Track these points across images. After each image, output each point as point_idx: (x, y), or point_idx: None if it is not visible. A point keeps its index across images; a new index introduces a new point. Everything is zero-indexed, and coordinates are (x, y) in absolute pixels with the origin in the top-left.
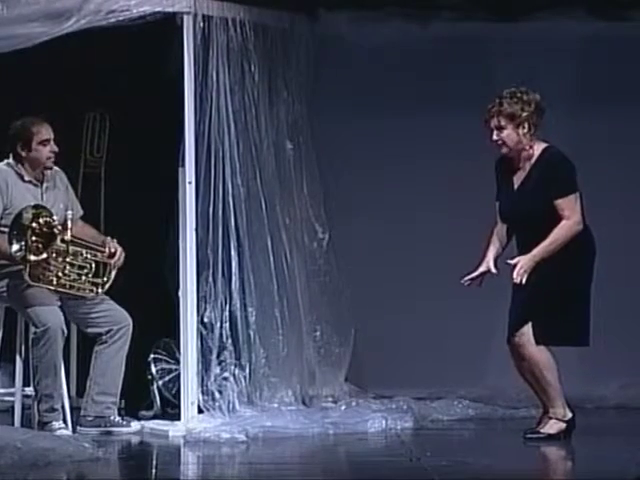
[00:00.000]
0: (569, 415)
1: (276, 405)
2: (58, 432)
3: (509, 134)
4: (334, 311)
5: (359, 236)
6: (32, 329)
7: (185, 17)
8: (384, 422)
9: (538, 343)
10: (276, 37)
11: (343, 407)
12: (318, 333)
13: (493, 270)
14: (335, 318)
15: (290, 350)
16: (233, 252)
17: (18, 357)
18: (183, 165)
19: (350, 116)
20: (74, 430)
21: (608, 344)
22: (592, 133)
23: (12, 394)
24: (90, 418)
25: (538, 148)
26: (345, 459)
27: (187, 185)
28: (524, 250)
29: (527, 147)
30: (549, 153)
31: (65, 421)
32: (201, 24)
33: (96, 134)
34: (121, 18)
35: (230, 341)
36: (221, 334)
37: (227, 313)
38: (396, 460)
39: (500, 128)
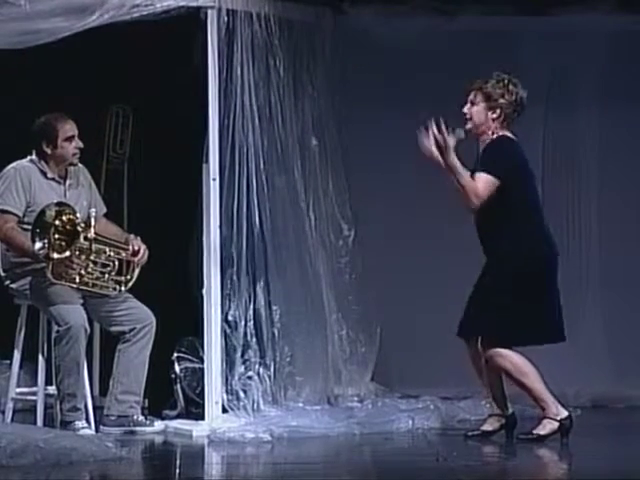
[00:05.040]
0: (563, 414)
1: (301, 404)
2: (81, 431)
3: (478, 111)
4: (360, 309)
5: (386, 234)
6: (55, 327)
7: (209, 11)
8: (410, 422)
9: (500, 346)
10: (301, 32)
11: (369, 406)
12: (344, 332)
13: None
14: (361, 317)
15: (315, 349)
16: (257, 249)
17: (40, 356)
18: (207, 161)
19: (377, 111)
20: (97, 429)
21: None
22: (621, 128)
23: (34, 393)
24: (113, 417)
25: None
26: (371, 459)
27: (211, 182)
28: (481, 236)
29: (490, 132)
30: (492, 140)
31: (88, 420)
32: (225, 19)
33: (119, 130)
34: (145, 13)
35: (254, 340)
36: (245, 332)
37: (251, 311)
38: (422, 460)
39: (473, 103)
